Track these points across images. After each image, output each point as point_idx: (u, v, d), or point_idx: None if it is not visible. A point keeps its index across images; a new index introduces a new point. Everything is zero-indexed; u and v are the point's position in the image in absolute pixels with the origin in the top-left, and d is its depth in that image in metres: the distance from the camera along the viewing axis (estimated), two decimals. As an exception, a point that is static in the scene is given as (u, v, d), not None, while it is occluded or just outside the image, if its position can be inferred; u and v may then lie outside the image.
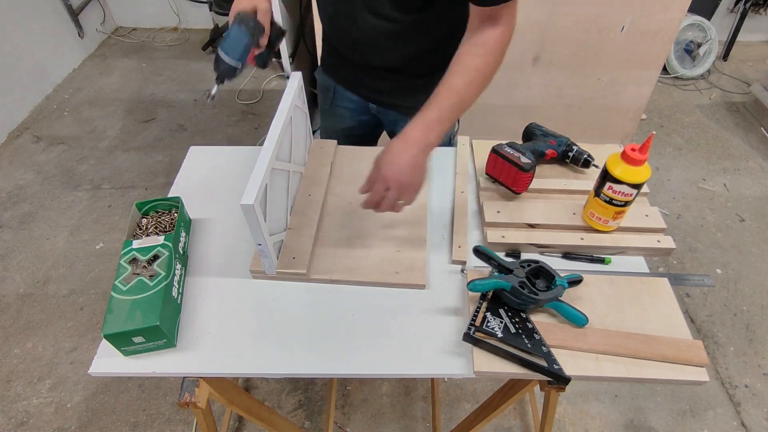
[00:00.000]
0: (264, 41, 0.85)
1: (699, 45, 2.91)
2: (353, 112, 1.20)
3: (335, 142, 1.11)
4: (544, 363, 0.71)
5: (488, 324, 0.75)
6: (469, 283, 0.77)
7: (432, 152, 0.80)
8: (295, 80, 0.93)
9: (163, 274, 0.78)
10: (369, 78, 1.09)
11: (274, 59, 0.88)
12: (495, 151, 0.96)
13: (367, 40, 0.97)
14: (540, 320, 0.77)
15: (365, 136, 1.28)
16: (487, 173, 1.01)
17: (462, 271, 0.86)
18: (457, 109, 0.80)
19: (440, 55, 0.91)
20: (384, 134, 1.30)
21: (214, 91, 0.85)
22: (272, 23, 0.87)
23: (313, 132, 1.08)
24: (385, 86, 1.08)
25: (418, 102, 0.96)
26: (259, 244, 0.78)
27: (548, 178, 1.02)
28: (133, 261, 0.80)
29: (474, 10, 0.82)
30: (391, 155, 0.77)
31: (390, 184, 0.77)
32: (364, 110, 1.18)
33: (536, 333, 0.74)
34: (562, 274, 0.79)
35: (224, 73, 0.82)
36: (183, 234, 0.90)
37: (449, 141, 1.22)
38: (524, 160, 0.92)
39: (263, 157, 0.77)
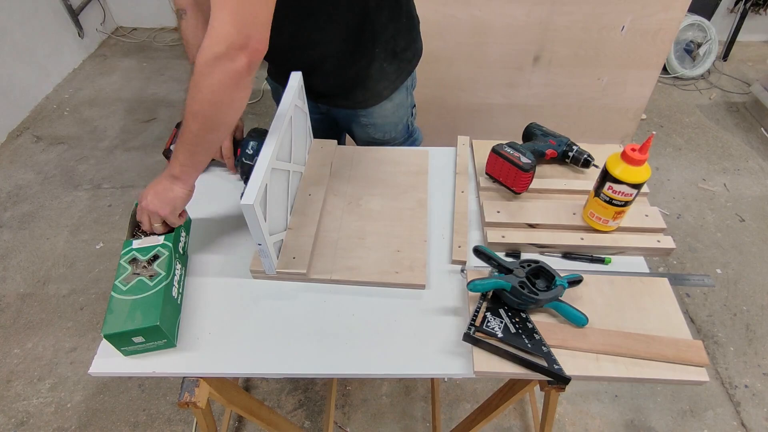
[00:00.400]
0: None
1: (699, 45, 2.91)
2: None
3: (335, 142, 1.11)
4: (544, 363, 0.71)
5: (488, 324, 0.75)
6: (469, 283, 0.77)
7: (183, 183, 0.80)
8: (295, 80, 0.93)
9: (163, 274, 0.78)
10: (306, 80, 1.05)
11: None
12: (495, 151, 0.96)
13: (291, 44, 0.96)
14: (540, 320, 0.77)
15: (320, 136, 1.26)
16: (487, 173, 1.01)
17: (462, 271, 0.86)
18: (186, 143, 0.76)
19: (357, 41, 0.91)
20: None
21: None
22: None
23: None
24: (320, 86, 1.07)
25: (358, 95, 0.95)
26: (259, 244, 0.78)
27: (548, 178, 1.02)
28: (133, 261, 0.80)
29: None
30: (144, 189, 0.83)
31: (144, 212, 0.83)
32: (314, 109, 1.17)
33: (536, 333, 0.74)
34: (562, 274, 0.79)
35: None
36: (183, 234, 0.90)
37: (407, 132, 1.22)
38: (524, 160, 0.92)
39: (264, 156, 0.77)
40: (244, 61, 0.66)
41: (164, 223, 0.85)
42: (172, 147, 1.00)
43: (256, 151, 0.95)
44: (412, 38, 1.09)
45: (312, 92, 1.11)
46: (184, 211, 0.88)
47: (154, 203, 0.81)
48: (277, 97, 1.22)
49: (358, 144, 1.27)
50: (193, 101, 0.70)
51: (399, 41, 1.04)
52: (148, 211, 0.82)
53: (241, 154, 0.98)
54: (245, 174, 0.95)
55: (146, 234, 0.87)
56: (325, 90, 1.08)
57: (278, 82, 1.19)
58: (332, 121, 1.24)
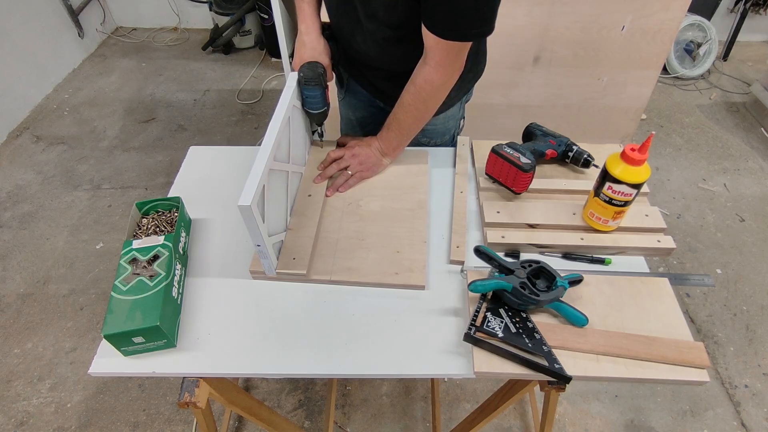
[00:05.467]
0: (330, 76, 1.01)
1: (699, 45, 2.91)
2: (364, 102, 1.23)
3: (335, 142, 1.11)
4: (545, 362, 0.71)
5: (489, 324, 0.75)
6: (470, 284, 0.77)
7: (385, 162, 1.05)
8: (293, 80, 0.93)
9: (163, 274, 0.78)
10: (372, 78, 1.11)
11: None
12: (495, 151, 0.96)
13: (366, 46, 0.99)
14: (540, 320, 0.77)
15: (376, 128, 1.27)
16: (487, 173, 1.01)
17: (462, 271, 0.86)
18: (399, 133, 1.01)
19: None
20: None
21: (320, 130, 1.08)
22: (330, 47, 1.01)
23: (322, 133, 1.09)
24: (386, 87, 1.09)
25: None
26: (258, 245, 0.78)
27: (548, 178, 1.02)
28: (133, 261, 0.80)
29: (424, 38, 0.87)
30: (362, 143, 1.04)
31: (348, 152, 1.02)
32: (372, 103, 1.20)
33: (537, 332, 0.74)
34: (562, 275, 0.79)
35: (318, 118, 1.01)
36: (183, 234, 0.90)
37: (452, 138, 1.22)
38: (524, 160, 0.92)
39: (261, 157, 0.77)
40: (454, 83, 0.94)
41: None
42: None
43: (314, 103, 0.98)
44: (478, 60, 1.09)
45: (372, 87, 1.14)
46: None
47: (362, 167, 1.02)
48: (342, 85, 1.26)
49: None
50: (419, 111, 0.96)
51: (467, 63, 1.01)
52: (357, 161, 1.01)
53: (304, 105, 1.00)
54: (316, 121, 1.03)
55: (146, 232, 0.87)
56: (388, 90, 1.08)
57: (348, 72, 1.21)
58: (386, 116, 1.23)
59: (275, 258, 0.85)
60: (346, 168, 1.02)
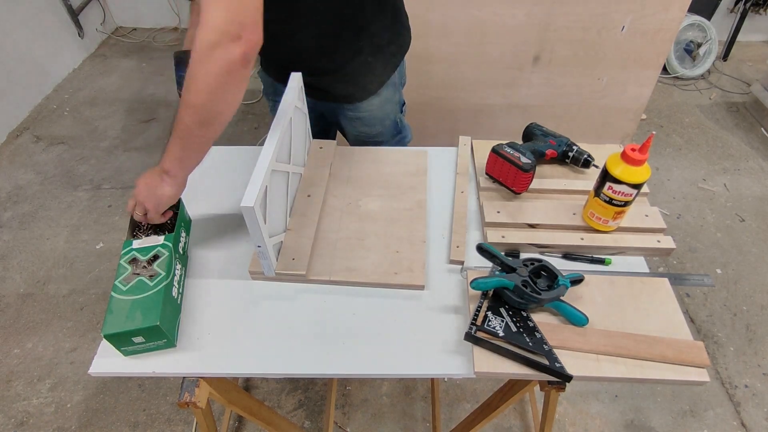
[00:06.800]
0: None
1: (699, 45, 2.91)
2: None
3: (335, 142, 1.11)
4: (545, 361, 0.71)
5: (489, 323, 0.75)
6: (472, 282, 0.77)
7: (172, 179, 0.80)
8: (295, 81, 0.93)
9: (163, 274, 0.78)
10: (290, 71, 1.04)
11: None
12: (495, 151, 0.96)
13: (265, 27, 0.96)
14: (540, 320, 0.77)
15: (318, 132, 1.25)
16: (487, 173, 1.01)
17: (462, 271, 0.86)
18: (180, 137, 0.75)
19: (340, 33, 0.92)
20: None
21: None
22: None
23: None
24: (314, 80, 1.06)
25: (344, 89, 0.94)
26: (259, 246, 0.78)
27: (548, 178, 1.02)
28: (133, 261, 0.80)
29: None
30: (147, 172, 0.83)
31: (136, 199, 0.83)
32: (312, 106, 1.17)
33: (537, 332, 0.74)
34: (563, 274, 0.79)
35: None
36: (183, 234, 0.90)
37: (396, 125, 1.22)
38: (524, 160, 0.92)
39: (263, 158, 0.76)
40: (239, 51, 0.66)
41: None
42: None
43: None
44: (397, 31, 1.08)
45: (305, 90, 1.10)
46: (168, 211, 0.86)
47: (142, 194, 0.81)
48: (268, 91, 1.23)
49: (347, 138, 1.28)
50: (187, 92, 0.69)
51: (384, 35, 1.03)
52: (136, 200, 0.82)
53: None
54: None
55: (146, 231, 0.87)
56: (310, 83, 1.04)
57: (269, 74, 1.19)
58: (319, 115, 1.23)
59: (275, 259, 0.85)
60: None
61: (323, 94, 1.12)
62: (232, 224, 0.97)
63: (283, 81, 0.96)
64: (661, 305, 0.80)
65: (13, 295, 1.83)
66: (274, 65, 1.13)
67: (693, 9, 2.07)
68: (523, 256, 0.90)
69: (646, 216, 0.93)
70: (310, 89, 1.08)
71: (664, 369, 0.72)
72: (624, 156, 0.80)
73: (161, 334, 0.73)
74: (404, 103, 1.26)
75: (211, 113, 0.71)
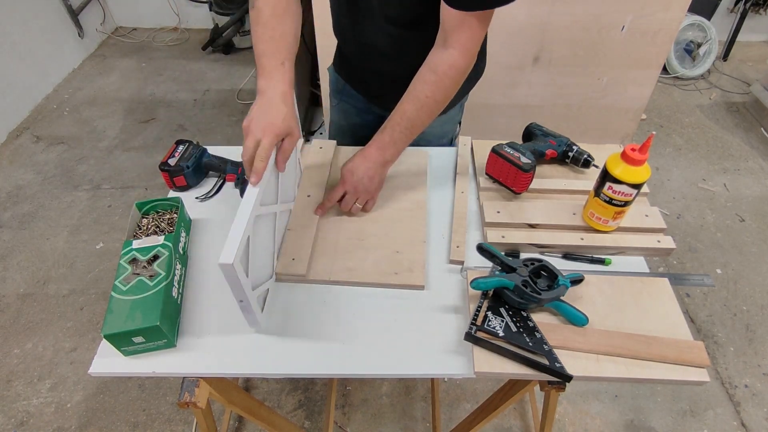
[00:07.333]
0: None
1: (699, 45, 2.91)
2: (359, 110, 1.20)
3: (334, 142, 1.11)
4: (545, 361, 0.71)
5: (489, 323, 0.75)
6: (472, 281, 0.77)
7: (389, 167, 0.95)
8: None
9: (163, 274, 0.78)
10: (373, 82, 1.09)
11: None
12: (495, 151, 0.96)
13: (369, 49, 0.97)
14: (540, 320, 0.77)
15: (370, 136, 1.26)
16: (487, 173, 1.01)
17: (462, 271, 0.86)
18: (408, 133, 0.90)
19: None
20: None
21: None
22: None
23: (316, 130, 1.07)
24: (386, 91, 1.06)
25: None
26: (241, 301, 0.70)
27: (548, 178, 1.02)
28: (133, 261, 0.80)
29: (441, 21, 0.81)
30: (351, 165, 0.93)
31: (348, 189, 0.92)
32: (369, 110, 1.18)
33: (537, 331, 0.74)
34: (564, 274, 0.79)
35: None
36: (183, 234, 0.90)
37: (450, 142, 1.21)
38: (524, 160, 0.92)
39: (245, 207, 0.67)
40: (465, 72, 0.86)
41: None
42: (170, 160, 1.01)
43: None
44: (481, 57, 1.06)
45: (370, 91, 1.12)
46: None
47: (370, 187, 0.92)
48: (338, 88, 1.21)
49: None
50: (437, 103, 0.87)
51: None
52: (359, 194, 0.92)
53: (243, 172, 0.99)
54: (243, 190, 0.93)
55: (147, 234, 0.87)
56: (388, 93, 1.02)
57: (342, 76, 1.18)
58: (381, 122, 1.21)
59: (260, 310, 0.78)
60: (354, 203, 0.93)
61: (386, 101, 1.06)
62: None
63: (358, 88, 1.08)
64: (661, 305, 0.80)
65: (13, 295, 1.83)
66: (356, 76, 1.12)
67: (693, 9, 2.07)
68: (523, 256, 0.90)
69: (646, 216, 0.93)
70: (379, 98, 1.12)
71: (664, 369, 0.72)
72: (624, 156, 0.80)
73: (161, 334, 0.73)
74: (460, 122, 1.23)
75: (439, 112, 0.90)
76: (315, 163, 1.06)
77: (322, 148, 1.10)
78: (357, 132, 1.25)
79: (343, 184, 0.93)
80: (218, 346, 0.78)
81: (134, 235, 0.88)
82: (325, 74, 1.70)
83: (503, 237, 0.90)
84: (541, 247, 0.90)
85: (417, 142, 1.14)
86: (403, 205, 0.98)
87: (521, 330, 0.75)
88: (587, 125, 2.10)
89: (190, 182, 1.03)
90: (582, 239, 0.90)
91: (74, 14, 3.01)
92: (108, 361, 0.75)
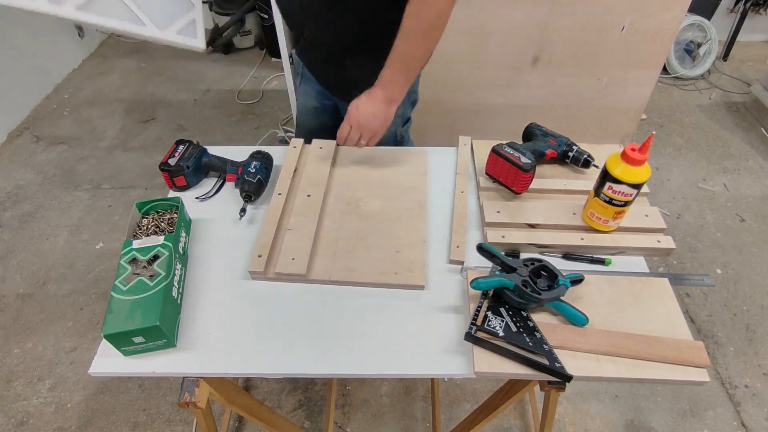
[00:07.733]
0: None
1: (699, 45, 2.91)
2: (318, 93, 1.24)
3: (334, 142, 1.11)
4: (545, 361, 0.71)
5: (489, 323, 0.75)
6: (472, 281, 0.77)
7: (394, 107, 0.97)
8: None
9: (163, 274, 0.78)
10: (322, 68, 1.13)
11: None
12: (495, 151, 0.96)
13: (307, 11, 1.00)
14: (540, 320, 0.77)
15: (331, 122, 1.28)
16: (487, 173, 1.01)
17: (462, 271, 0.86)
18: (404, 68, 0.93)
19: (378, 37, 0.94)
20: None
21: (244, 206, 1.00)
22: None
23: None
24: (329, 74, 1.12)
25: (356, 93, 0.98)
26: None
27: (548, 178, 1.02)
28: (133, 261, 0.80)
29: None
30: (357, 101, 0.97)
31: (352, 123, 0.97)
32: (326, 95, 1.21)
33: (537, 331, 0.74)
34: (564, 274, 0.79)
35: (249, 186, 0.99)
36: (183, 234, 0.90)
37: (395, 138, 1.25)
38: (524, 160, 0.92)
39: None
40: (449, 5, 0.86)
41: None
42: (170, 160, 1.01)
43: (258, 170, 1.00)
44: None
45: (328, 84, 1.16)
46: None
47: (374, 124, 0.96)
48: (298, 72, 1.27)
49: None
50: (425, 35, 0.89)
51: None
52: (362, 131, 0.96)
53: (243, 172, 1.00)
54: (245, 192, 0.98)
55: (146, 232, 0.87)
56: (331, 78, 1.12)
57: (303, 61, 1.23)
58: (337, 113, 1.26)
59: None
60: (359, 139, 1.00)
61: (342, 96, 1.15)
62: (233, 224, 0.97)
63: (313, 74, 1.13)
64: (661, 305, 0.80)
65: (13, 295, 1.83)
66: (309, 54, 1.17)
67: (693, 9, 2.07)
68: (523, 256, 0.90)
69: (646, 216, 0.93)
70: (333, 90, 1.16)
71: (664, 369, 0.72)
72: (624, 156, 0.80)
73: (161, 334, 0.73)
74: (409, 119, 1.26)
75: (432, 42, 0.92)
76: (315, 163, 1.06)
77: (322, 148, 1.10)
78: (317, 115, 1.28)
79: (348, 120, 0.98)
80: (218, 346, 0.78)
81: (134, 235, 0.88)
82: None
83: (503, 237, 0.90)
84: (541, 247, 0.90)
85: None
86: (403, 204, 0.98)
87: (521, 330, 0.75)
88: (587, 125, 2.10)
89: (190, 182, 1.03)
90: (582, 239, 0.90)
91: (74, 14, 3.01)
92: (108, 361, 0.75)
